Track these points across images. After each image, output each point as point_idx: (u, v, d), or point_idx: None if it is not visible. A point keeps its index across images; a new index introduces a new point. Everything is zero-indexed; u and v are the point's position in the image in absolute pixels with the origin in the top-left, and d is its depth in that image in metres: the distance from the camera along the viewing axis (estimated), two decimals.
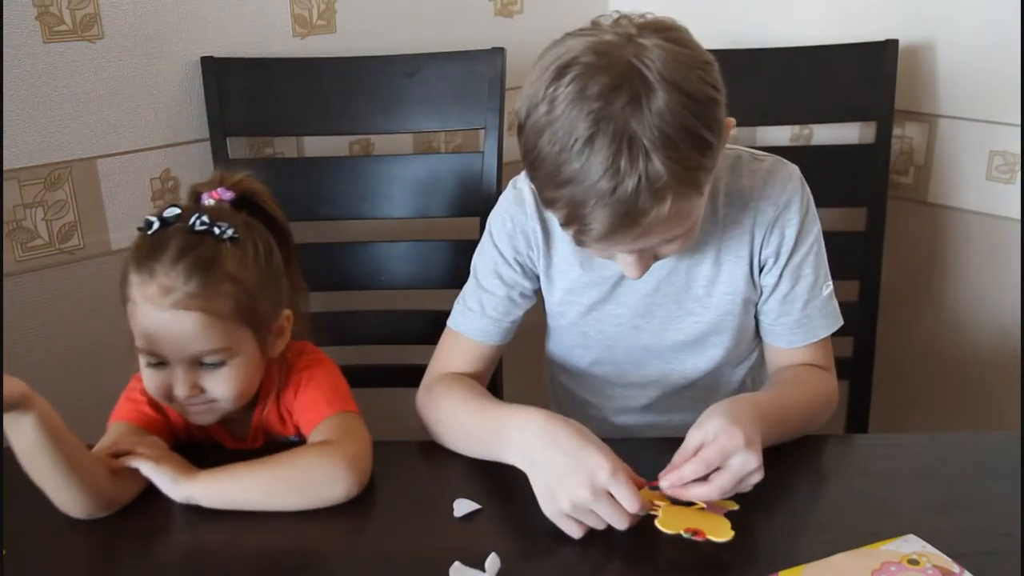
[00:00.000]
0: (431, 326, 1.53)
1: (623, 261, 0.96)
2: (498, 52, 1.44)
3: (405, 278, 1.52)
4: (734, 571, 0.84)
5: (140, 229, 0.95)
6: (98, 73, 1.35)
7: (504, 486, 0.96)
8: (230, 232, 0.94)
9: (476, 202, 1.47)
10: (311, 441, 1.00)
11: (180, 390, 0.94)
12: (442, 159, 1.59)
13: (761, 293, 1.08)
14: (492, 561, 0.83)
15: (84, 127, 1.36)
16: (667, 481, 0.88)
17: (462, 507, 0.92)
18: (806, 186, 1.06)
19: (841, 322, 1.11)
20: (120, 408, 1.03)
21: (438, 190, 1.48)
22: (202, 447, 1.06)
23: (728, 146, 1.00)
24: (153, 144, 1.42)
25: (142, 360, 0.96)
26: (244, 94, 1.45)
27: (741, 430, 0.87)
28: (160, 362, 0.95)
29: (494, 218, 1.11)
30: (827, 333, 1.10)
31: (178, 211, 0.95)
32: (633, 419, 1.17)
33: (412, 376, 1.56)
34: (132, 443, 0.95)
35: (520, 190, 1.08)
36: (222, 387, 0.96)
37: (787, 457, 1.07)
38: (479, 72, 1.44)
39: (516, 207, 1.08)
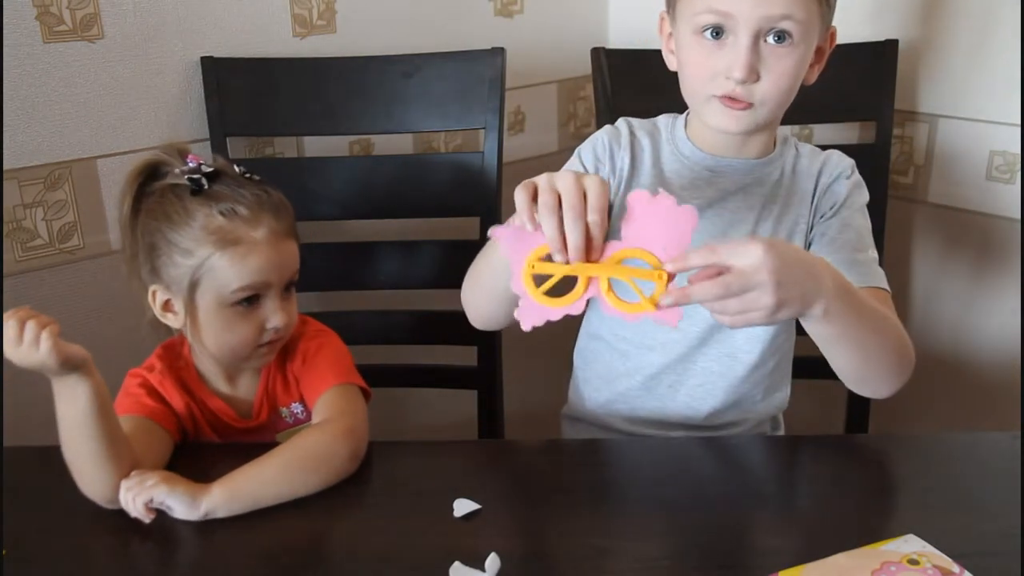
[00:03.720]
0: (430, 326, 1.54)
1: (736, 48, 0.99)
2: (498, 52, 1.44)
3: (405, 278, 1.52)
4: (734, 571, 0.84)
5: (192, 179, 1.01)
6: (98, 73, 1.35)
7: (504, 486, 0.96)
8: (257, 178, 1.07)
9: (476, 202, 1.47)
10: (314, 410, 1.05)
11: (277, 319, 1.03)
12: (442, 159, 1.59)
13: (810, 245, 1.12)
14: (492, 561, 0.84)
15: (84, 127, 1.36)
16: (672, 264, 0.81)
17: (462, 507, 0.92)
18: (858, 173, 1.14)
19: (890, 291, 1.08)
20: (120, 404, 1.04)
21: (438, 190, 1.48)
22: (191, 448, 1.06)
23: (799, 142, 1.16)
24: (153, 144, 1.42)
25: (230, 312, 1.02)
26: (244, 94, 1.45)
27: (775, 275, 0.80)
28: (255, 296, 1.02)
29: (585, 144, 1.16)
30: (882, 284, 1.07)
31: (209, 169, 1.03)
32: (657, 397, 1.18)
33: (412, 376, 1.57)
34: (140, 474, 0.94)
35: (618, 128, 1.15)
36: (293, 313, 1.06)
37: (787, 457, 1.07)
38: (479, 72, 1.44)
39: (612, 136, 1.15)
